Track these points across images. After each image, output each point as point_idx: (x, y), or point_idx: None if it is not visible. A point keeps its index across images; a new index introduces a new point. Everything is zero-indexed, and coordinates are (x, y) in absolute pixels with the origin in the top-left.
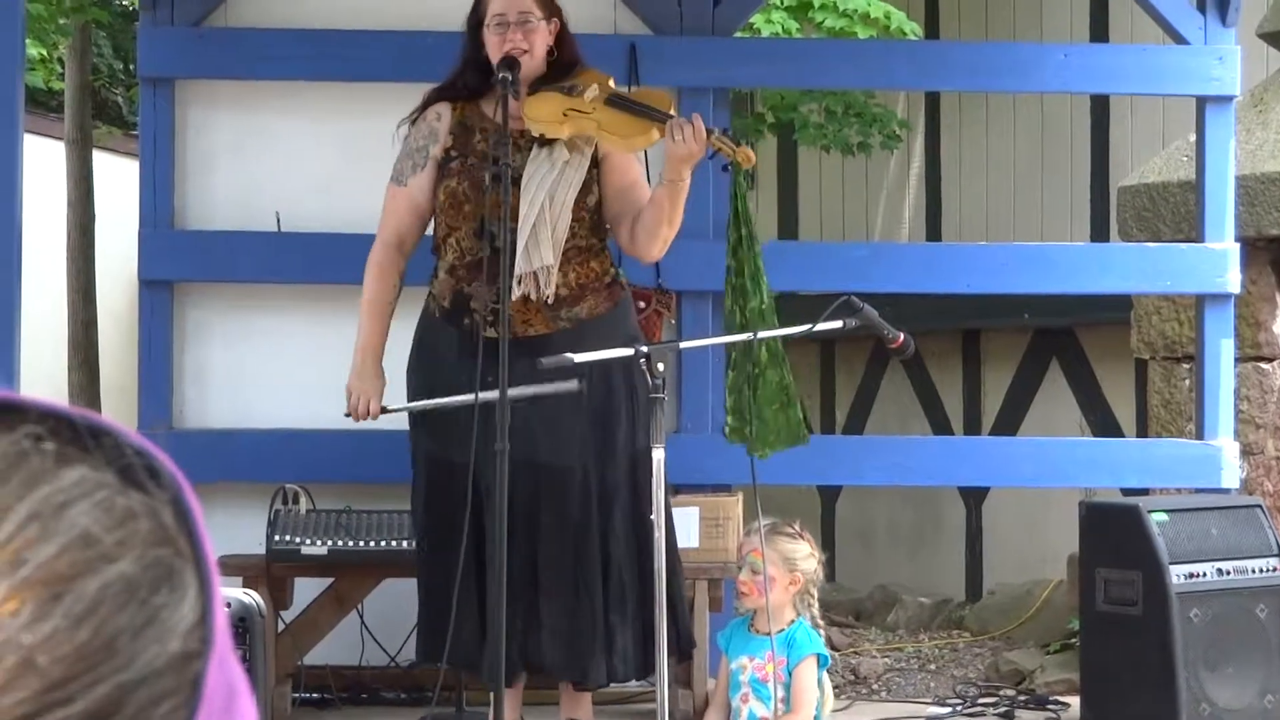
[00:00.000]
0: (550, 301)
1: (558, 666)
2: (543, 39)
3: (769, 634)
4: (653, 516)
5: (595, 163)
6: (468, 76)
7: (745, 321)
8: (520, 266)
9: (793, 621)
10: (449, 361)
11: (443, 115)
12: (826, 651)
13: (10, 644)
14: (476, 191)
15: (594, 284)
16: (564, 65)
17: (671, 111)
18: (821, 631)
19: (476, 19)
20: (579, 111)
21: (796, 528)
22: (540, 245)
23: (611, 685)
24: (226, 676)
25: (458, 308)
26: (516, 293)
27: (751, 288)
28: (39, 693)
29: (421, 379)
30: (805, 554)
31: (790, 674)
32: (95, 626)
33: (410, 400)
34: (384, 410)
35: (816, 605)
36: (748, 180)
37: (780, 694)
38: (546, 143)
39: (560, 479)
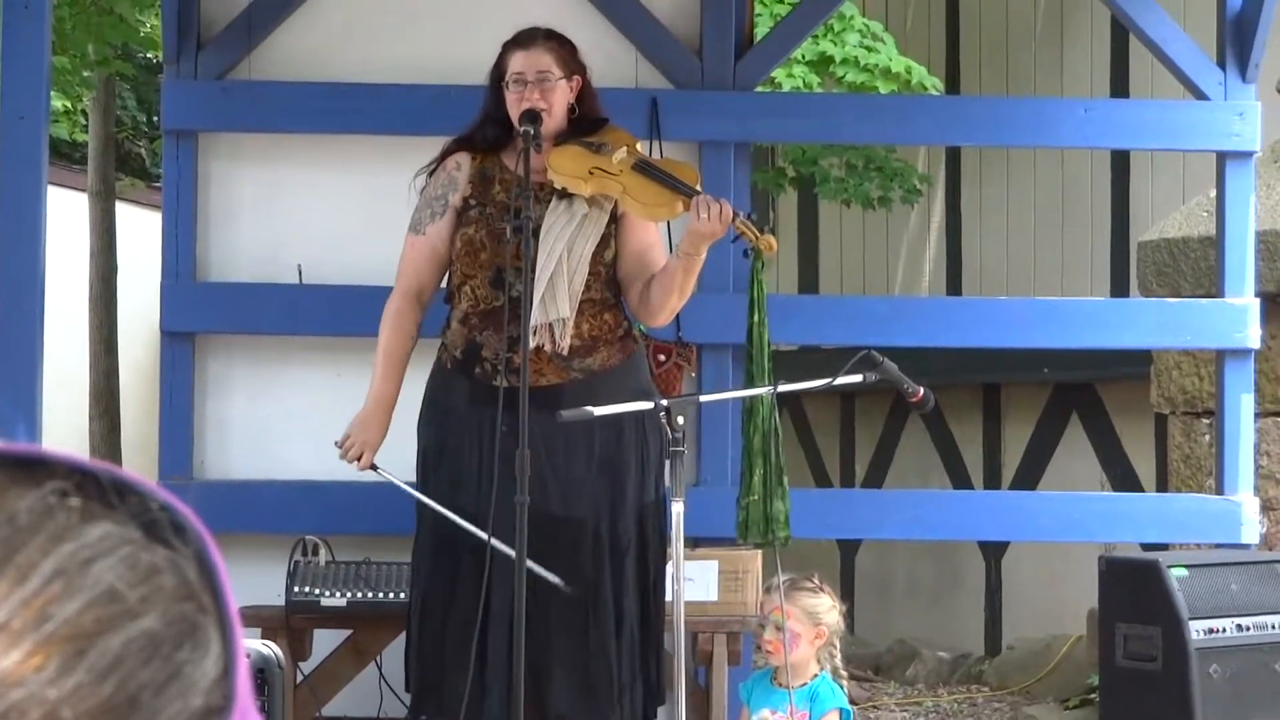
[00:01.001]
0: (564, 353)
1: (567, 713)
2: (562, 97)
3: (788, 688)
4: (670, 568)
5: (614, 219)
6: (488, 130)
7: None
8: (536, 318)
9: (816, 675)
10: (460, 410)
11: (462, 164)
12: (849, 706)
13: (35, 699)
14: (493, 240)
15: (607, 336)
16: (587, 121)
17: (698, 187)
18: (844, 683)
19: (499, 74)
20: (605, 172)
21: (816, 581)
22: (557, 297)
23: None
24: None
25: (470, 357)
26: (531, 343)
27: (757, 377)
28: None
29: (433, 430)
30: (828, 607)
31: None
32: (119, 682)
33: (421, 451)
34: (373, 468)
35: (839, 656)
36: (763, 266)
37: None
38: (566, 195)
39: (572, 531)
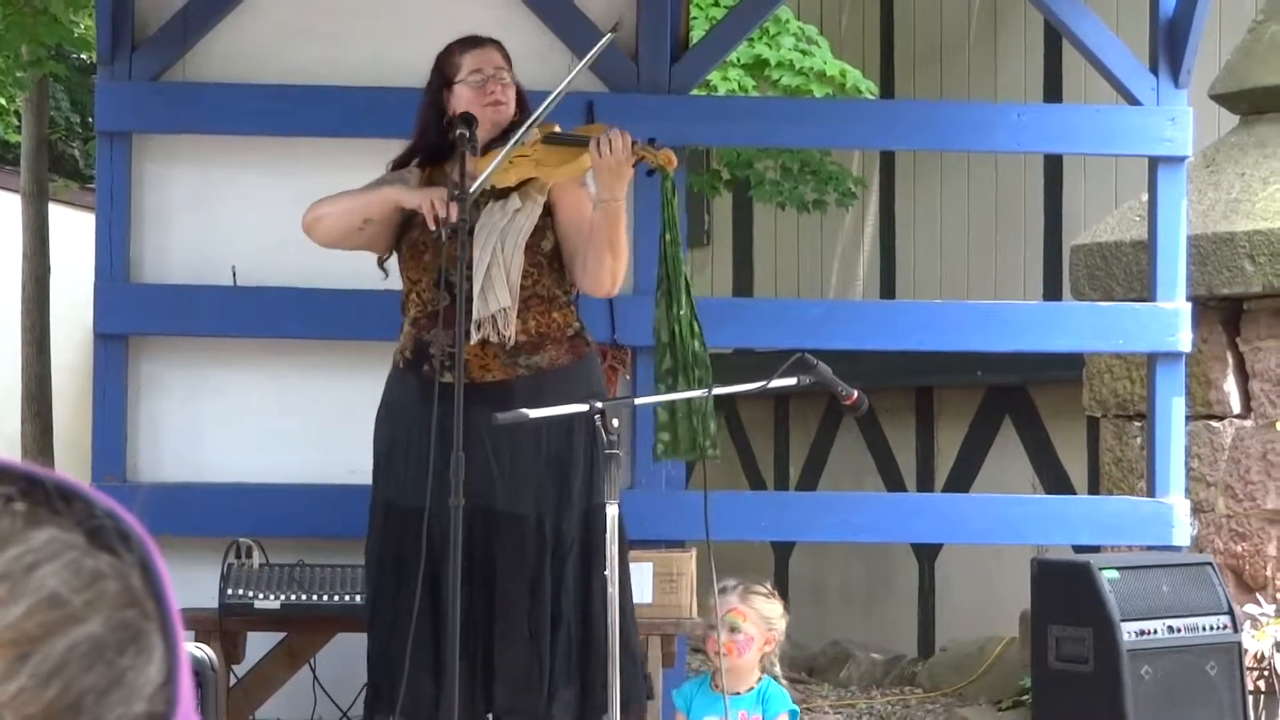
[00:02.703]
0: (509, 348)
1: (504, 710)
2: (513, 94)
3: (735, 692)
4: (606, 572)
5: (548, 210)
6: (429, 138)
7: (674, 330)
8: (478, 311)
9: (759, 679)
10: (410, 409)
11: (413, 175)
12: (797, 707)
13: None
14: (435, 243)
15: (555, 335)
16: (517, 127)
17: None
18: (785, 687)
19: (442, 80)
20: (522, 156)
21: (768, 587)
22: (495, 288)
23: None
24: None
25: (418, 356)
26: (475, 338)
27: (674, 296)
28: None
29: (385, 429)
30: (779, 613)
31: None
32: (62, 686)
33: (375, 452)
34: (457, 198)
35: (778, 666)
36: (673, 188)
37: None
38: (501, 195)
39: (516, 526)
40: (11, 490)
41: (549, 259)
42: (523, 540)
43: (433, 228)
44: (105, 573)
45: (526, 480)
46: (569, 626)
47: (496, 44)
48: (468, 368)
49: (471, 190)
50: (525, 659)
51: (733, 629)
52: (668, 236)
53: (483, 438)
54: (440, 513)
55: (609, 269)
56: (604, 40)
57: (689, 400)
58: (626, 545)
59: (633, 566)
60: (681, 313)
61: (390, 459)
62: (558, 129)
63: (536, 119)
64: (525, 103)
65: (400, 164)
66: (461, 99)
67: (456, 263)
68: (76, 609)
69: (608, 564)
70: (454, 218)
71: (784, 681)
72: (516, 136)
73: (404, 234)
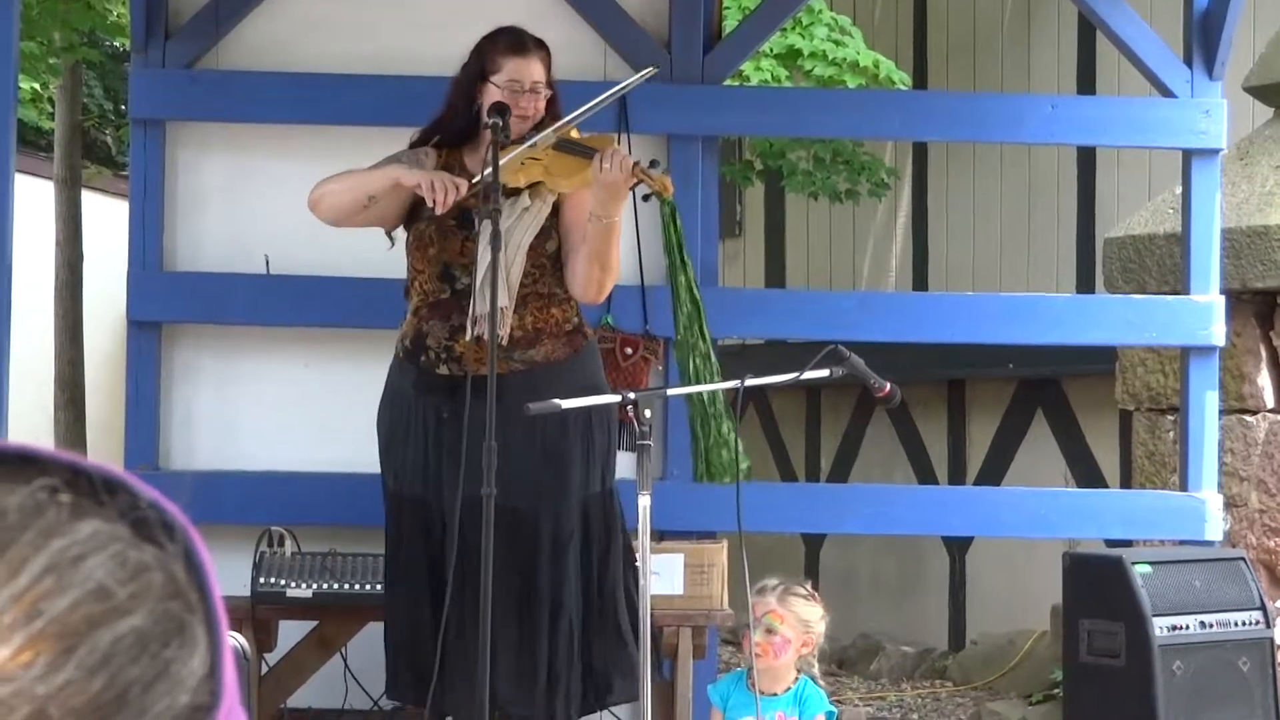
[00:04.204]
0: (504, 344)
1: (505, 702)
2: (544, 106)
3: (771, 693)
4: (638, 563)
5: (555, 211)
6: (456, 122)
7: (694, 347)
8: (478, 307)
9: (795, 679)
10: (408, 398)
11: (429, 156)
12: (834, 708)
13: (24, 695)
14: (441, 236)
15: (552, 330)
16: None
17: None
18: (822, 688)
19: (480, 70)
20: (533, 160)
21: (809, 589)
22: (498, 288)
23: None
24: None
25: (417, 346)
26: (470, 334)
27: (690, 316)
28: None
29: (386, 417)
30: (819, 616)
31: None
32: (108, 679)
33: (379, 440)
34: (471, 186)
35: (817, 666)
36: (673, 212)
37: None
38: (513, 194)
39: (511, 520)
40: (56, 481)
41: (552, 260)
42: (513, 533)
43: (429, 204)
44: (150, 564)
45: (520, 474)
46: (569, 620)
47: (542, 53)
48: (462, 360)
49: (475, 181)
50: (516, 652)
51: (769, 630)
52: (673, 260)
53: (475, 431)
54: (435, 501)
55: (596, 280)
56: (641, 75)
57: (713, 431)
58: (627, 532)
59: (663, 558)
60: (695, 343)
61: (390, 447)
62: (575, 135)
63: (558, 128)
64: (557, 105)
65: (421, 141)
66: (492, 97)
67: (459, 257)
68: (122, 601)
69: (642, 556)
70: (444, 209)
71: (822, 682)
72: (533, 140)
73: (413, 222)
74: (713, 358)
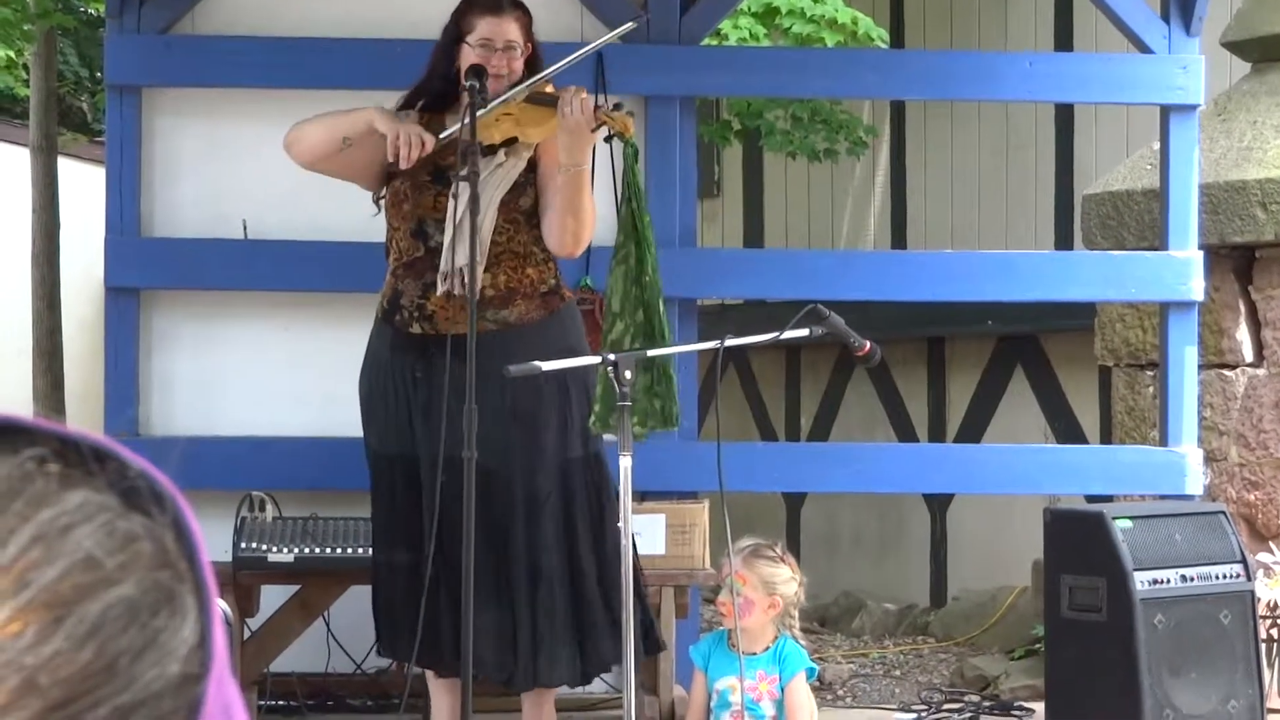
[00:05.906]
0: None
1: (485, 667)
2: (519, 66)
3: (751, 653)
4: (620, 524)
5: (531, 167)
6: (435, 84)
7: (640, 297)
8: (445, 263)
9: (775, 638)
10: (384, 358)
11: (411, 117)
12: (814, 664)
13: (12, 665)
14: (415, 192)
15: (526, 290)
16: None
17: None
18: (803, 646)
19: (457, 31)
20: (506, 114)
21: (779, 550)
22: (465, 242)
23: (578, 690)
24: (224, 698)
25: (393, 306)
26: (440, 289)
27: (642, 263)
28: (40, 714)
29: (365, 377)
30: (785, 578)
31: (783, 690)
32: (97, 649)
33: (363, 404)
34: (438, 141)
35: (798, 626)
36: (635, 154)
37: (772, 711)
38: (488, 152)
39: (482, 480)
40: (45, 451)
41: (526, 216)
42: (485, 495)
43: (390, 159)
44: (139, 534)
45: (489, 435)
46: (550, 583)
47: (517, 13)
48: (434, 319)
49: (442, 136)
50: (492, 615)
51: (734, 592)
52: (634, 204)
53: (446, 391)
54: (411, 460)
55: (571, 230)
56: (622, 29)
57: (649, 376)
58: (612, 496)
59: (645, 518)
60: (647, 279)
61: (371, 409)
62: (550, 90)
63: (531, 84)
64: (538, 64)
65: (405, 106)
66: (468, 59)
67: (433, 212)
68: (111, 571)
69: (622, 517)
70: (409, 164)
71: (803, 640)
72: (505, 95)
73: (390, 180)
74: (662, 308)
